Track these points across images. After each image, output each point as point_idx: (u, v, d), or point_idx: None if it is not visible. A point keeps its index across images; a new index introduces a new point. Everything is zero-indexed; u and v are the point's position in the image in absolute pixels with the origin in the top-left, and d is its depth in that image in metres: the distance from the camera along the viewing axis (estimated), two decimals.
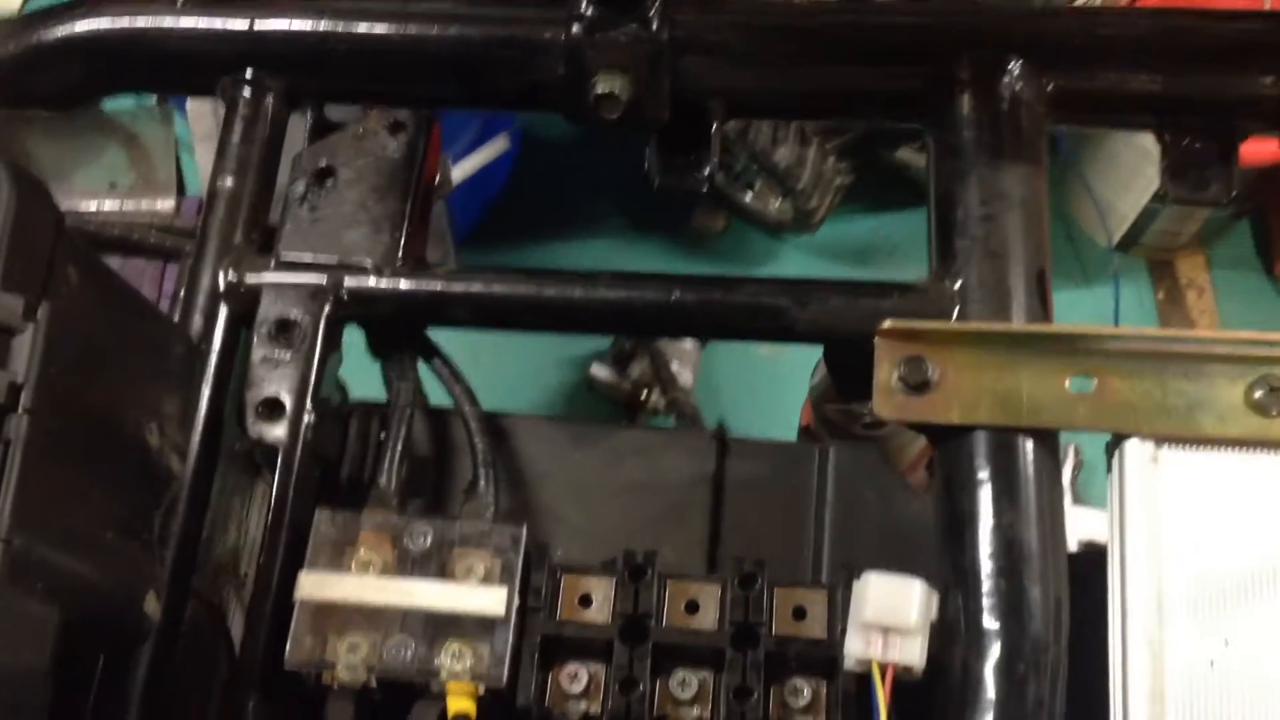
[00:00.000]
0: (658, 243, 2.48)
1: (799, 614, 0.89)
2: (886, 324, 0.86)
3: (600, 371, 2.22)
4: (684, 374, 2.24)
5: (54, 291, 0.77)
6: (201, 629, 0.97)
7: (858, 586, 0.85)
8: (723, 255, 2.48)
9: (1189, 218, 2.36)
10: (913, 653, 0.82)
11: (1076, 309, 2.34)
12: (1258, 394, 0.82)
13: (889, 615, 0.83)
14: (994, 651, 0.81)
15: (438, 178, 1.13)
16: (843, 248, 2.51)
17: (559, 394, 2.29)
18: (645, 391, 2.17)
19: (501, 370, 2.31)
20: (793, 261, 2.48)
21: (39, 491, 0.73)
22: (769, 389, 2.20)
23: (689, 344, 2.26)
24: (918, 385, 0.86)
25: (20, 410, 0.73)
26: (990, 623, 0.82)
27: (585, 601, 0.90)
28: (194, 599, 0.96)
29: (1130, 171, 2.28)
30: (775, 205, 2.38)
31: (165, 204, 1.09)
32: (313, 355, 0.94)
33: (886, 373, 0.86)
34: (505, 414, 1.01)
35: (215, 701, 0.92)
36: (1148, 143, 2.13)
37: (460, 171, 2.11)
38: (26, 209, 0.77)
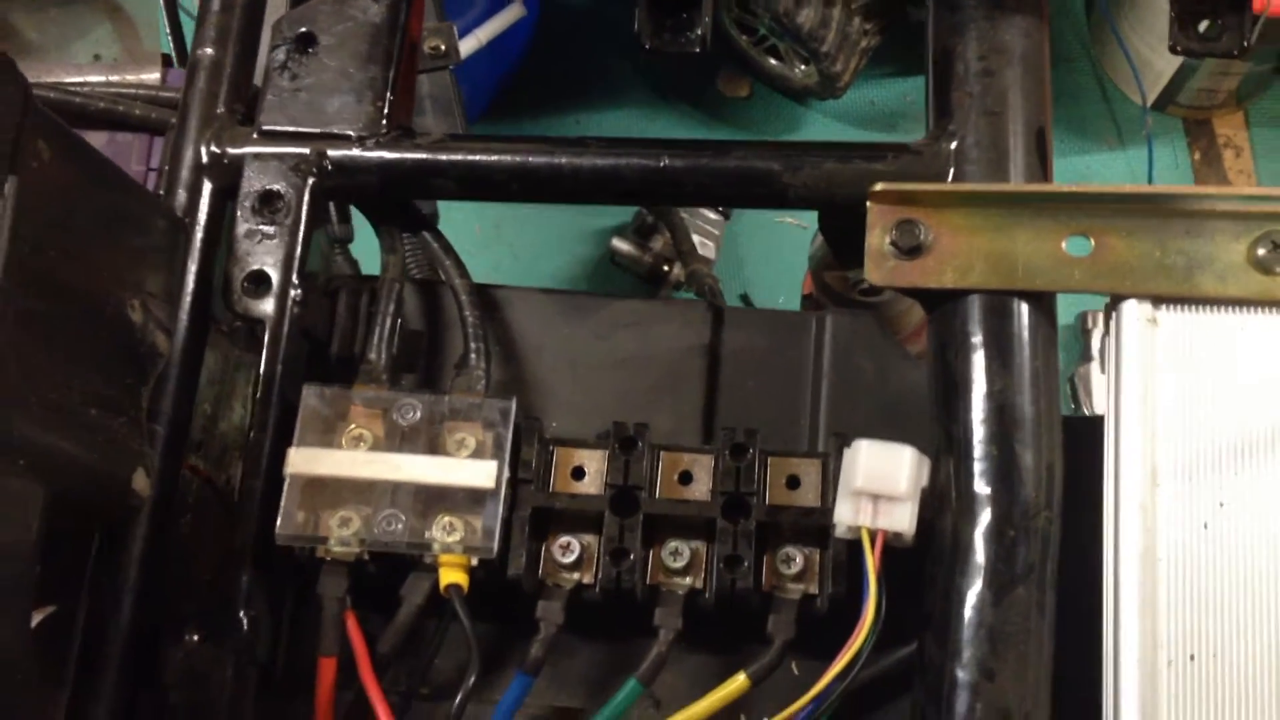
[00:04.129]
0: (682, 111, 2.44)
1: (792, 483, 0.88)
2: (878, 186, 0.84)
3: (621, 245, 2.20)
4: (707, 246, 2.21)
5: (23, 166, 0.76)
6: (205, 506, 0.98)
7: (848, 454, 0.83)
8: (748, 122, 2.43)
9: (1227, 74, 2.29)
10: (903, 519, 0.82)
11: (1109, 170, 2.28)
12: (1260, 251, 0.79)
13: (879, 482, 0.82)
14: (984, 516, 0.80)
15: (441, 44, 1.10)
16: (870, 113, 2.46)
17: (580, 267, 2.27)
18: (667, 264, 2.15)
19: (523, 244, 2.30)
20: (819, 127, 2.43)
21: (16, 369, 0.73)
22: (793, 260, 2.17)
23: (712, 215, 2.23)
24: (910, 249, 0.83)
25: None
26: (981, 488, 0.80)
27: (578, 474, 0.90)
28: (195, 476, 0.97)
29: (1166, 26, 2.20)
30: (800, 70, 2.32)
31: (151, 75, 1.07)
32: (298, 228, 0.92)
33: (878, 237, 0.84)
34: (496, 286, 1.00)
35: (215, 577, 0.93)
36: None
37: (474, 41, 2.07)
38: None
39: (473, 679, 0.83)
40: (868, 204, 0.84)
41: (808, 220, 2.44)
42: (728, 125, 2.42)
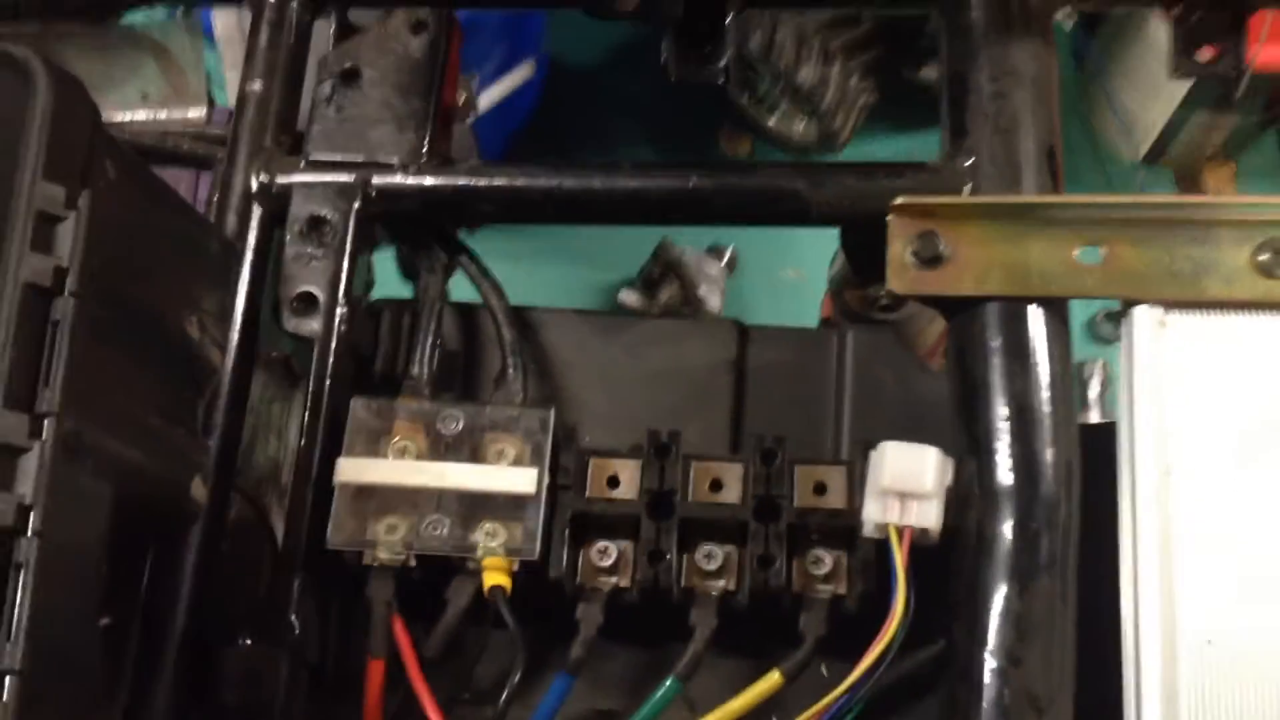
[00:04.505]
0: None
1: (819, 489, 0.92)
2: (899, 200, 0.89)
3: (629, 297, 2.25)
4: (711, 298, 2.26)
5: (93, 183, 0.80)
6: (247, 526, 1.01)
7: (875, 455, 0.87)
8: None
9: (1215, 127, 2.36)
10: (929, 516, 0.85)
11: None
12: (1262, 257, 0.84)
13: (905, 480, 0.85)
14: (1008, 511, 0.83)
15: (464, 95, 1.16)
16: None
17: None
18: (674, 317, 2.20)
19: (531, 298, 2.34)
20: None
21: (87, 375, 0.77)
22: (795, 311, 2.22)
23: (715, 269, 2.29)
24: (930, 259, 0.88)
25: (66, 293, 0.76)
26: (1004, 484, 0.84)
27: (613, 483, 0.93)
28: (239, 497, 1.00)
29: (1155, 81, 2.27)
30: (799, 127, 2.39)
31: (197, 113, 1.12)
32: (343, 251, 0.97)
33: (900, 248, 0.89)
34: (531, 307, 1.04)
35: (261, 591, 0.96)
36: None
37: (486, 99, 2.13)
38: (64, 102, 0.80)
39: (518, 676, 0.86)
40: (889, 216, 0.89)
41: (808, 271, 2.49)
42: None
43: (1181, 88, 2.23)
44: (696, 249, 2.32)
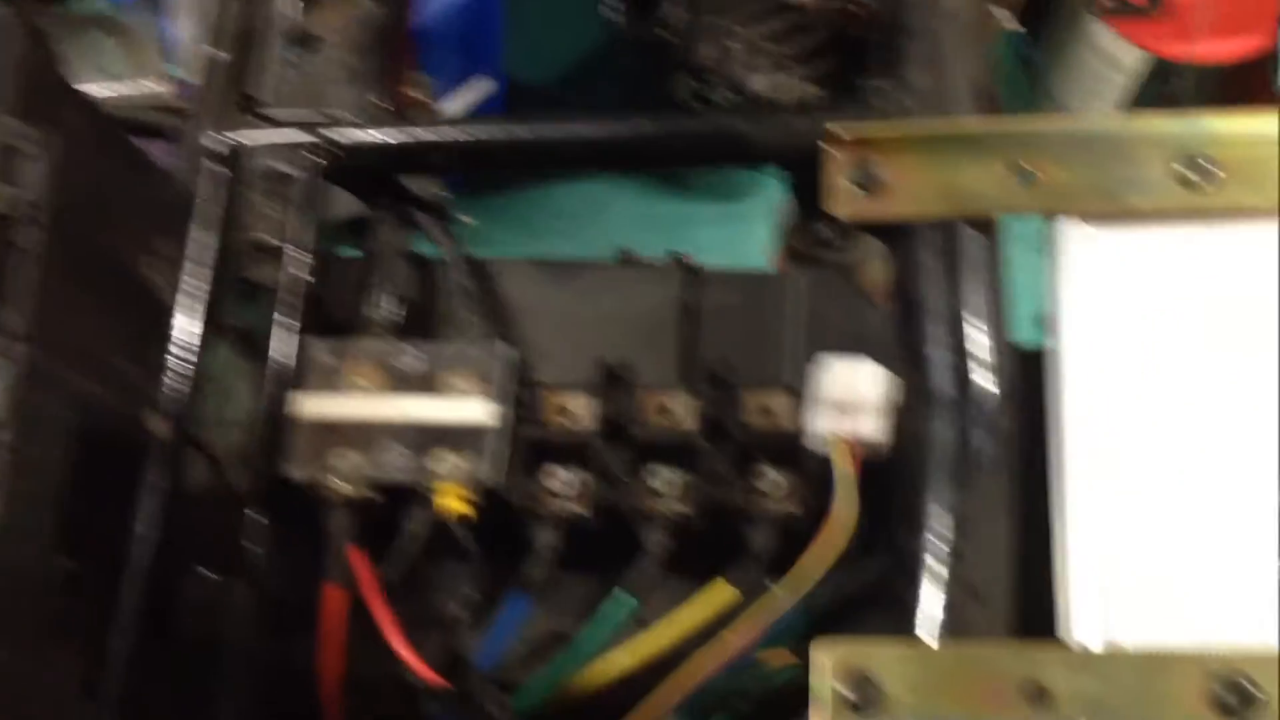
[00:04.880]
0: (641, 180, 2.53)
1: (765, 412, 0.94)
2: (834, 128, 0.92)
3: None
4: None
5: (61, 127, 0.83)
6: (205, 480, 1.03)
7: (816, 371, 0.90)
8: (705, 189, 2.53)
9: None
10: (871, 425, 0.88)
11: None
12: (1178, 167, 0.87)
13: (847, 391, 0.88)
14: (948, 418, 0.86)
15: (420, 92, 1.19)
16: None
17: None
18: None
19: None
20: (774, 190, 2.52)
21: (49, 304, 0.79)
22: None
23: None
24: (867, 186, 0.91)
25: (34, 224, 0.79)
26: (943, 392, 0.87)
27: (563, 413, 0.96)
28: (199, 452, 1.02)
29: (1096, 79, 2.34)
30: None
31: (158, 88, 1.15)
32: (300, 202, 0.99)
33: (838, 177, 0.92)
34: (488, 259, 1.07)
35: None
36: (1115, 49, 2.20)
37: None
38: (35, 50, 0.83)
39: (473, 590, 0.89)
40: (825, 146, 0.92)
41: None
42: (686, 193, 2.51)
43: (1120, 84, 2.29)
44: (657, 258, 2.35)
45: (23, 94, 0.81)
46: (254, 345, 1.04)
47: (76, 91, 0.87)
